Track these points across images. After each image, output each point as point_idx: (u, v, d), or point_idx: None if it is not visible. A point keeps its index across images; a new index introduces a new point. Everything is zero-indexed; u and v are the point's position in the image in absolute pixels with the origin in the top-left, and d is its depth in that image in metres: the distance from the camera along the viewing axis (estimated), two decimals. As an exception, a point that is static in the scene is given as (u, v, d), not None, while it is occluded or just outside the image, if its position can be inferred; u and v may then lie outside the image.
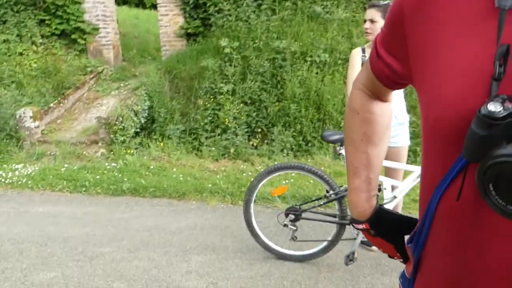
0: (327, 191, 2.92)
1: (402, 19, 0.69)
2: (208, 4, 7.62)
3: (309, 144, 5.89)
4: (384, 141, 0.91)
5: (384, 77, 0.80)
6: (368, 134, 0.88)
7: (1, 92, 6.42)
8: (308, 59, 6.42)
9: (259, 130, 6.11)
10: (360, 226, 0.89)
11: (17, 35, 7.95)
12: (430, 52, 0.64)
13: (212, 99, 6.30)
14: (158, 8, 8.19)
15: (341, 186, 2.93)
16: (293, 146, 5.80)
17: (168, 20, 8.12)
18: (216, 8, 7.50)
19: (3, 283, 2.74)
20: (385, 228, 0.86)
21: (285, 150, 5.70)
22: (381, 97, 0.88)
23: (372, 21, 2.85)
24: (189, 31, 7.98)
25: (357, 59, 3.01)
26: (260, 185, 3.03)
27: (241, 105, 6.14)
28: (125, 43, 9.57)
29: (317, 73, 6.32)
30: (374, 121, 0.88)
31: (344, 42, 6.77)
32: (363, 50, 3.04)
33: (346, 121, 0.94)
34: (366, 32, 2.90)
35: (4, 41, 7.78)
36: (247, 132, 5.96)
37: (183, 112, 6.50)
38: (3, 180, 4.99)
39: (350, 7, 7.42)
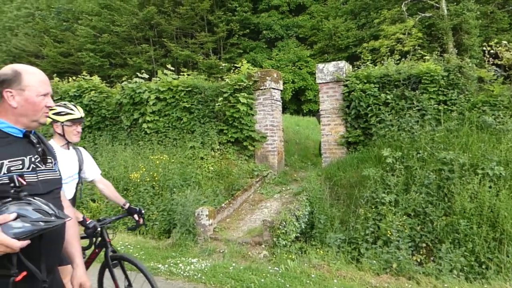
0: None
1: None
2: (369, 115, 7.93)
3: (483, 266, 5.30)
4: None
5: None
6: None
7: (186, 192, 7.46)
8: (480, 171, 6.03)
9: (424, 245, 5.76)
10: None
11: (201, 143, 9.38)
12: None
13: (373, 209, 6.27)
14: (321, 119, 8.82)
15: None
16: (464, 267, 5.28)
17: (330, 129, 8.64)
18: (378, 119, 7.75)
19: None
20: None
21: (454, 271, 5.21)
22: None
23: None
24: (349, 139, 8.32)
25: None
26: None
27: (404, 217, 5.95)
28: (288, 149, 10.37)
29: (490, 187, 5.85)
30: None
31: (522, 153, 6.23)
32: None
33: None
34: None
35: (191, 147, 9.24)
36: (410, 246, 5.68)
37: (342, 220, 6.57)
38: (181, 272, 5.59)
39: (527, 116, 6.90)
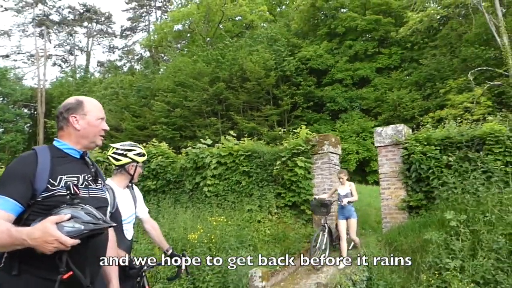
0: None
1: None
2: (431, 178, 7.62)
3: None
4: None
5: None
6: None
7: (242, 253, 7.43)
8: (558, 236, 5.47)
9: (497, 318, 5.18)
10: None
11: (259, 206, 9.44)
12: None
13: (437, 275, 5.81)
14: (381, 182, 8.60)
15: None
16: None
17: (390, 193, 8.36)
18: (440, 181, 7.42)
19: None
20: None
21: None
22: None
23: None
24: (411, 203, 7.97)
25: None
26: None
27: (472, 284, 5.44)
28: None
29: None
30: None
31: None
32: None
33: None
34: None
35: (249, 210, 9.33)
36: (481, 318, 5.13)
37: (403, 286, 6.14)
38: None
39: None
